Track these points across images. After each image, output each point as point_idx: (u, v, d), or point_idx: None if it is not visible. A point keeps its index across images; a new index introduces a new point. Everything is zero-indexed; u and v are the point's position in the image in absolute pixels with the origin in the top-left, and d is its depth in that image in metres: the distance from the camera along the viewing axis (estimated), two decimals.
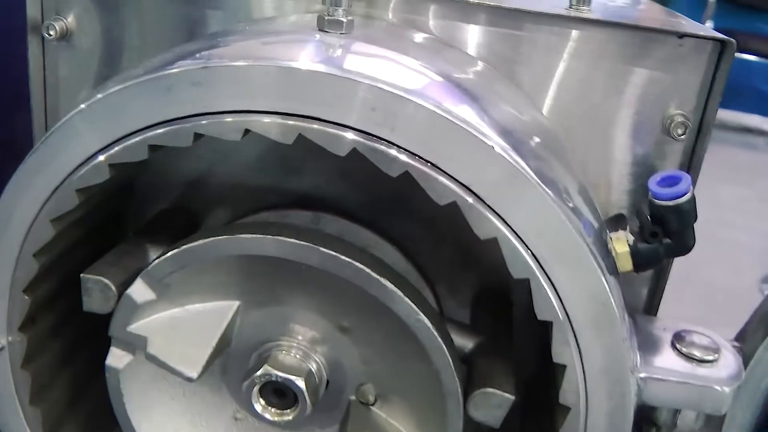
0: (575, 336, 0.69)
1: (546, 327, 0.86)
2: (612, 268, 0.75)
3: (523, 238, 0.67)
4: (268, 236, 0.71)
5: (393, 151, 0.65)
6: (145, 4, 0.92)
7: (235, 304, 0.79)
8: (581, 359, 0.70)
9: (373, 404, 0.80)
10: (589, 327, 0.69)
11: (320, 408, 0.81)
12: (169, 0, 0.91)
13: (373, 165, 0.66)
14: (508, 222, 0.66)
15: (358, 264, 0.70)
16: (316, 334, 0.79)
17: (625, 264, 0.77)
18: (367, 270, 0.69)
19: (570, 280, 0.68)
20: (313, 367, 0.79)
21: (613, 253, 0.77)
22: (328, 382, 0.80)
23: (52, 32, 0.95)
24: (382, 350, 0.77)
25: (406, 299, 0.70)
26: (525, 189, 0.66)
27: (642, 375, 0.73)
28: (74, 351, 0.91)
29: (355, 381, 0.80)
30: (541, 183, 0.66)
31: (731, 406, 0.80)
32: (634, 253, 0.77)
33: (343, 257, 0.69)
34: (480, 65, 0.86)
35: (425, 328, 0.71)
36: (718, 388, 0.73)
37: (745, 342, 0.83)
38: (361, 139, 0.65)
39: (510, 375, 0.75)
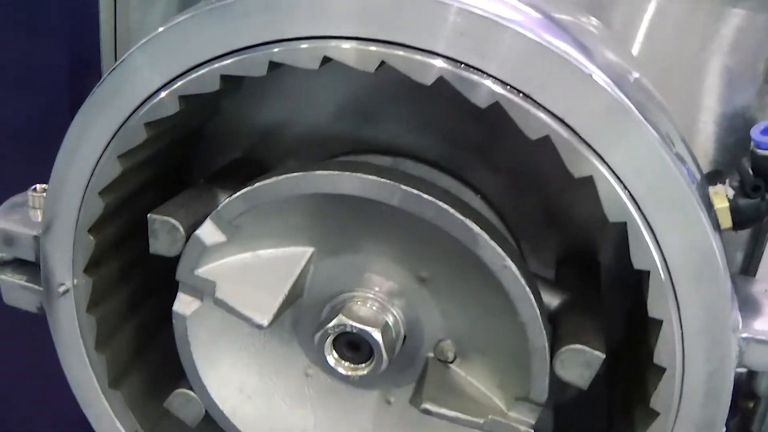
0: (674, 289, 0.64)
1: (636, 290, 0.81)
2: (714, 222, 0.70)
3: (621, 178, 0.62)
4: (346, 173, 0.67)
5: (483, 80, 0.61)
6: None
7: (309, 250, 0.76)
8: (679, 315, 0.65)
9: (451, 362, 0.77)
10: (689, 279, 0.64)
11: (395, 365, 0.77)
12: None
13: (455, 113, 0.62)
14: (606, 160, 0.62)
15: (442, 204, 0.66)
16: (393, 286, 0.76)
17: (724, 221, 0.73)
18: (452, 210, 0.66)
19: (671, 226, 0.63)
20: (390, 320, 0.75)
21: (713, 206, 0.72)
22: (404, 337, 0.77)
23: None
24: (463, 303, 0.74)
25: (493, 243, 0.66)
26: (627, 125, 0.61)
27: (744, 335, 0.68)
28: (140, 299, 0.89)
29: (434, 337, 0.77)
30: (645, 120, 0.61)
31: None
32: (734, 209, 0.73)
33: (426, 196, 0.66)
34: (571, 5, 0.81)
35: (512, 276, 0.66)
36: None
37: None
38: (449, 67, 0.61)
39: (599, 333, 0.70)
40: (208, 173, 0.92)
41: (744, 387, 0.79)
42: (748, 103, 0.82)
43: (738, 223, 0.73)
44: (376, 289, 0.76)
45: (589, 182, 0.62)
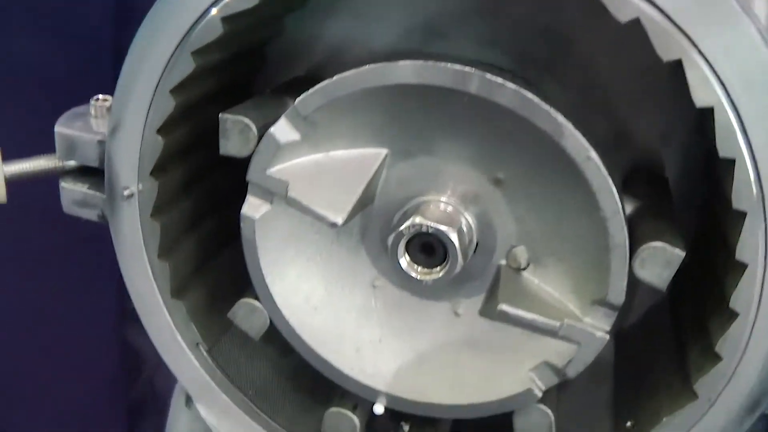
0: (759, 178, 0.64)
1: (703, 210, 0.81)
2: None
3: (711, 63, 0.62)
4: (422, 61, 0.67)
5: None
6: None
7: (383, 152, 0.76)
8: (764, 209, 0.64)
9: (524, 269, 0.77)
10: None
11: (465, 274, 0.77)
12: None
13: (524, 29, 0.61)
14: (697, 44, 0.61)
15: (525, 92, 0.66)
16: (467, 189, 0.76)
17: None
18: (536, 99, 0.65)
19: (760, 115, 0.62)
20: (464, 224, 0.75)
21: None
22: (477, 244, 0.77)
23: None
24: (539, 205, 0.74)
25: (577, 133, 0.66)
26: (721, 10, 0.61)
27: None
28: (205, 212, 0.90)
29: (506, 243, 0.77)
30: (739, 7, 0.61)
31: None
32: None
33: (509, 84, 0.66)
34: None
35: (595, 168, 0.67)
36: None
37: None
38: None
39: (677, 233, 0.70)
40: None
41: None
42: None
43: None
44: (449, 193, 0.76)
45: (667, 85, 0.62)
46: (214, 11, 0.72)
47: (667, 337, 0.85)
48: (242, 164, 0.76)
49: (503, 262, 0.77)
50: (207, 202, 0.90)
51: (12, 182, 0.85)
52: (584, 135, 0.81)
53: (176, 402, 0.95)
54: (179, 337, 0.87)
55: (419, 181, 0.76)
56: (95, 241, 1.15)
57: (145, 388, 1.79)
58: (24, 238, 1.67)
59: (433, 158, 0.75)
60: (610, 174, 0.67)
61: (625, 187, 0.84)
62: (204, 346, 0.87)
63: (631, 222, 0.74)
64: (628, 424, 0.80)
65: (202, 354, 0.88)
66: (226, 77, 0.85)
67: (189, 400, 0.91)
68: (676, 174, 0.85)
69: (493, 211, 0.76)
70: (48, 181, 0.87)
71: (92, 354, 1.78)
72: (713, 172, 0.77)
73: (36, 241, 1.68)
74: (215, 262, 0.91)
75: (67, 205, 0.87)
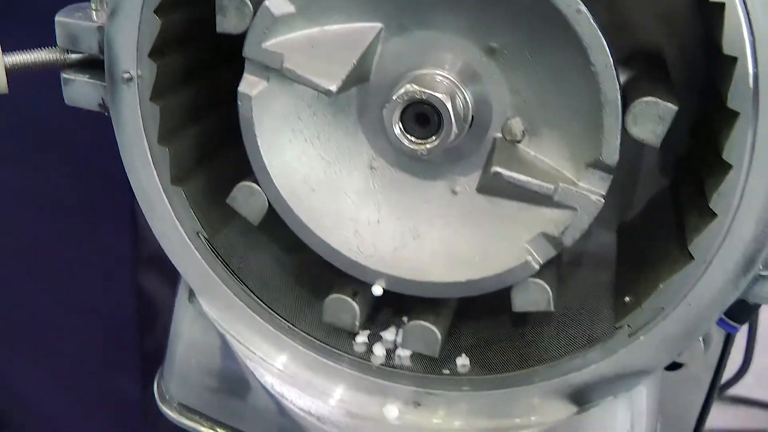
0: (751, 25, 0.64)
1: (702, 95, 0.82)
2: None
3: None
4: None
5: None
6: None
7: (378, 26, 0.77)
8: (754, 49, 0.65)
9: (520, 141, 0.77)
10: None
11: (462, 151, 0.79)
12: None
13: None
14: None
15: None
16: (461, 62, 0.77)
17: None
18: None
19: None
20: (458, 94, 0.76)
21: None
22: (473, 118, 0.78)
23: None
24: (533, 73, 0.74)
25: None
26: None
27: None
28: (205, 104, 0.91)
29: (502, 115, 0.78)
30: None
31: None
32: None
33: None
34: None
35: (586, 20, 0.68)
36: None
37: None
38: None
39: (670, 91, 0.71)
40: None
41: None
42: None
43: None
44: (446, 68, 0.77)
45: None
46: None
47: (668, 221, 0.85)
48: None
49: (499, 135, 0.78)
50: (209, 96, 0.92)
51: (14, 73, 0.87)
52: None
53: (180, 298, 0.97)
54: (179, 226, 0.88)
55: (415, 56, 0.78)
56: (112, 183, 1.17)
57: (159, 337, 1.81)
58: (39, 178, 1.69)
59: (427, 31, 0.76)
60: (601, 27, 0.68)
61: (625, 63, 0.85)
62: (204, 235, 0.89)
63: (626, 88, 0.75)
64: (627, 299, 0.81)
65: (202, 243, 0.89)
66: None
67: (192, 295, 0.93)
68: (676, 59, 0.86)
69: (488, 83, 0.77)
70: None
71: (107, 300, 1.80)
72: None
73: (51, 178, 1.70)
74: (218, 153, 0.92)
75: (68, 95, 0.89)
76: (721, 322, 0.89)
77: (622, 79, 0.76)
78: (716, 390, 1.06)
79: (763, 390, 0.89)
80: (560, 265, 0.86)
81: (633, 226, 0.93)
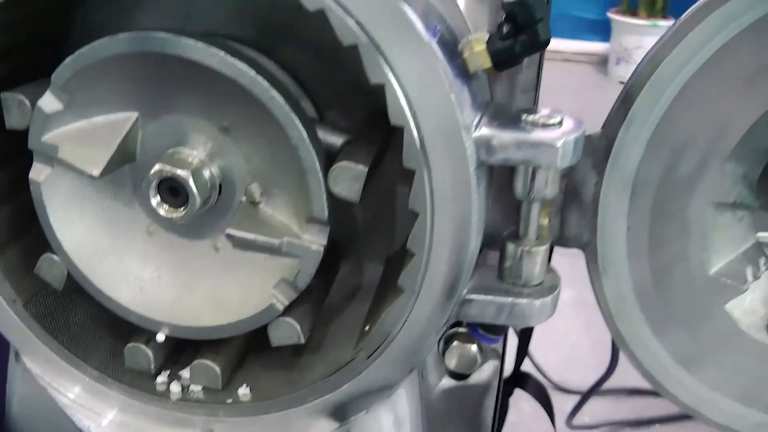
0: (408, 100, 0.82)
1: None
2: (463, 68, 0.88)
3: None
4: (162, 33, 0.86)
5: None
6: None
7: (134, 115, 0.95)
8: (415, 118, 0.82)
9: (259, 202, 0.95)
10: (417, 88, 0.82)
11: (219, 212, 0.96)
12: None
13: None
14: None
15: (227, 56, 0.84)
16: (206, 142, 0.94)
17: (484, 62, 0.90)
18: (231, 58, 0.84)
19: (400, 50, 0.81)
20: (205, 172, 0.93)
21: (469, 53, 0.90)
22: (220, 186, 0.95)
23: None
24: (258, 144, 0.92)
25: (261, 79, 0.84)
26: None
27: (479, 134, 0.85)
28: (13, 192, 1.07)
29: (243, 182, 0.95)
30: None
31: (604, 191, 0.94)
32: (491, 51, 0.90)
33: (218, 51, 0.85)
34: None
35: (278, 104, 0.85)
36: (549, 142, 0.84)
37: (608, 127, 0.95)
38: None
39: (368, 154, 0.88)
40: None
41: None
42: None
43: (497, 64, 0.90)
44: (193, 144, 0.95)
45: None
46: None
47: None
48: None
49: (243, 198, 0.95)
50: (18, 178, 1.08)
51: None
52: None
53: (10, 359, 1.13)
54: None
55: (168, 138, 0.95)
56: None
57: None
58: None
59: (174, 115, 0.94)
60: (294, 107, 0.86)
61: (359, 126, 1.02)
62: (20, 302, 1.05)
63: (340, 150, 0.93)
64: (366, 328, 0.98)
65: (20, 309, 1.05)
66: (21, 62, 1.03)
67: (17, 355, 1.09)
68: None
69: (228, 156, 0.94)
70: None
71: None
72: None
73: None
74: (28, 229, 1.09)
75: None
76: (480, 336, 1.07)
77: (339, 141, 0.95)
78: (500, 393, 1.23)
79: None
80: (319, 301, 1.03)
81: (394, 260, 1.10)
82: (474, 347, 1.09)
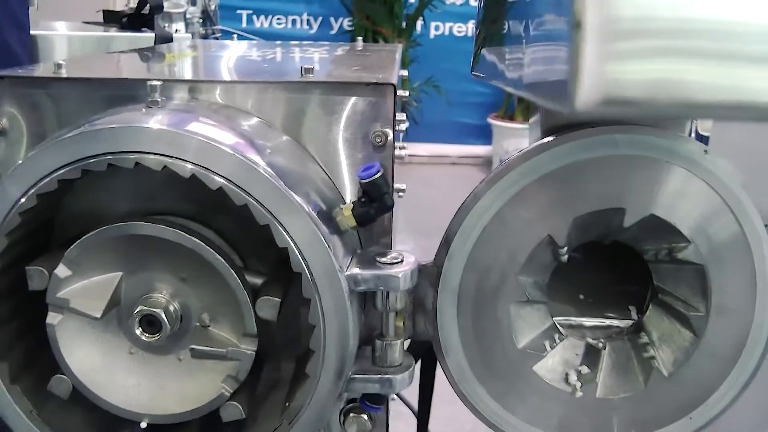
0: (302, 254, 1.35)
1: None
2: (337, 228, 1.42)
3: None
4: (141, 222, 1.38)
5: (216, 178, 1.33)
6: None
7: (119, 274, 1.45)
8: (308, 265, 1.35)
9: (208, 326, 1.45)
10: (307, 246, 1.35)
11: (179, 335, 1.45)
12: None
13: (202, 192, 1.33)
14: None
15: (186, 235, 1.36)
16: (168, 288, 1.44)
17: (351, 222, 1.44)
18: (188, 235, 1.36)
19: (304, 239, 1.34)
20: (171, 308, 1.44)
21: (341, 217, 1.44)
22: (181, 317, 1.45)
23: None
24: (207, 288, 1.43)
25: (206, 246, 1.36)
26: (259, 182, 1.33)
27: (349, 273, 1.38)
28: (23, 332, 1.55)
29: (197, 312, 1.45)
30: (273, 180, 1.34)
31: (439, 301, 1.47)
32: (356, 214, 1.44)
33: (183, 234, 1.36)
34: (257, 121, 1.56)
35: (219, 262, 1.37)
36: (394, 274, 1.39)
37: (437, 259, 1.50)
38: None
39: (280, 290, 1.40)
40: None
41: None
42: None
43: (360, 223, 1.44)
44: (161, 290, 1.45)
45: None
46: (14, 210, 1.41)
47: None
48: None
49: (198, 323, 1.46)
50: (27, 324, 1.56)
51: None
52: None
53: None
54: (18, 409, 1.51)
55: (142, 287, 1.45)
56: None
57: None
58: None
59: (147, 272, 1.44)
60: (229, 261, 1.38)
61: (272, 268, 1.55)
62: (35, 412, 1.52)
63: (261, 287, 1.44)
64: (287, 404, 1.48)
65: (35, 417, 1.52)
66: (31, 244, 1.53)
67: None
68: None
69: (185, 296, 1.45)
70: None
71: None
72: None
73: None
74: (43, 359, 1.56)
75: None
76: (368, 407, 1.58)
77: (259, 281, 1.47)
78: None
79: None
80: (252, 390, 1.53)
81: (301, 358, 1.61)
82: (365, 416, 1.60)
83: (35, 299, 1.47)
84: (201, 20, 5.47)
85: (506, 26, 1.57)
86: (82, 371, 1.47)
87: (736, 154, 1.55)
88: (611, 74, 0.95)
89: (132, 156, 1.33)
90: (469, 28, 11.12)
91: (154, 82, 1.45)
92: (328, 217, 1.42)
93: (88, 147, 1.34)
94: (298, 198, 1.34)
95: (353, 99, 1.53)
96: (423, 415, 1.96)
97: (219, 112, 1.53)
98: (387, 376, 1.47)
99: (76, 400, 1.52)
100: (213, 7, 5.77)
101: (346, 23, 10.59)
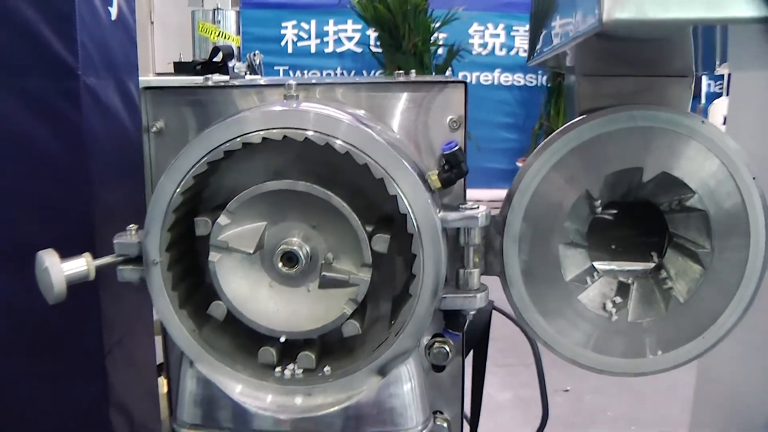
0: (407, 201, 1.88)
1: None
2: (429, 185, 1.95)
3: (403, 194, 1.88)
4: (283, 180, 1.91)
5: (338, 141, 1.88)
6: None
7: (264, 223, 1.98)
8: (412, 210, 1.88)
9: (332, 263, 1.98)
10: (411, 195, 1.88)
11: (307, 272, 1.98)
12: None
13: (323, 161, 1.87)
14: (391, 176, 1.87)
15: (318, 187, 1.90)
16: (302, 232, 1.98)
17: (437, 183, 1.98)
18: (320, 188, 1.90)
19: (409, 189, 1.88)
20: (304, 246, 1.97)
21: (430, 180, 1.97)
22: (311, 257, 1.98)
23: (153, 129, 2.18)
24: (333, 231, 1.95)
25: (336, 197, 1.90)
26: (375, 147, 1.88)
27: (441, 215, 1.91)
28: (188, 271, 2.07)
29: (323, 253, 1.98)
30: (386, 144, 1.88)
31: (504, 243, 2.00)
32: (441, 178, 1.98)
33: (315, 186, 1.90)
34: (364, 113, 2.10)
35: (345, 208, 1.90)
36: (474, 214, 1.92)
37: (501, 211, 2.04)
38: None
39: (387, 232, 1.93)
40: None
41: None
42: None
43: (443, 185, 1.98)
44: (296, 234, 1.98)
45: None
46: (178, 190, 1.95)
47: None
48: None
49: (323, 261, 1.98)
50: (194, 267, 2.09)
51: (80, 282, 2.02)
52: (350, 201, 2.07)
53: (183, 366, 2.09)
54: (184, 329, 2.03)
55: (282, 233, 1.98)
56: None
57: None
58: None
59: (286, 222, 1.98)
60: (356, 210, 1.91)
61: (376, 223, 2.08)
62: (197, 332, 2.04)
63: (373, 231, 1.97)
64: (392, 322, 2.00)
65: (197, 335, 2.04)
66: (191, 206, 2.07)
67: (192, 363, 2.06)
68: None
69: (314, 240, 1.97)
70: None
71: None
72: None
73: None
74: (200, 287, 2.08)
75: (121, 276, 2.05)
76: (448, 334, 2.10)
77: (369, 228, 2.00)
78: (463, 379, 2.24)
79: None
80: (363, 314, 2.04)
81: (397, 299, 2.12)
82: (446, 346, 2.11)
83: (193, 249, 2.00)
84: (246, 73, 6.11)
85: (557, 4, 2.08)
86: (235, 298, 1.99)
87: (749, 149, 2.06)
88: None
89: (285, 130, 1.88)
90: (495, 76, 11.82)
91: (291, 82, 2.00)
92: (422, 178, 1.95)
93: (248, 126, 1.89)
94: (403, 159, 1.88)
95: (435, 93, 2.07)
96: (475, 403, 2.47)
97: (335, 104, 2.08)
98: (469, 294, 1.98)
99: (227, 324, 2.04)
100: (258, 61, 6.41)
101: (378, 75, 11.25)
